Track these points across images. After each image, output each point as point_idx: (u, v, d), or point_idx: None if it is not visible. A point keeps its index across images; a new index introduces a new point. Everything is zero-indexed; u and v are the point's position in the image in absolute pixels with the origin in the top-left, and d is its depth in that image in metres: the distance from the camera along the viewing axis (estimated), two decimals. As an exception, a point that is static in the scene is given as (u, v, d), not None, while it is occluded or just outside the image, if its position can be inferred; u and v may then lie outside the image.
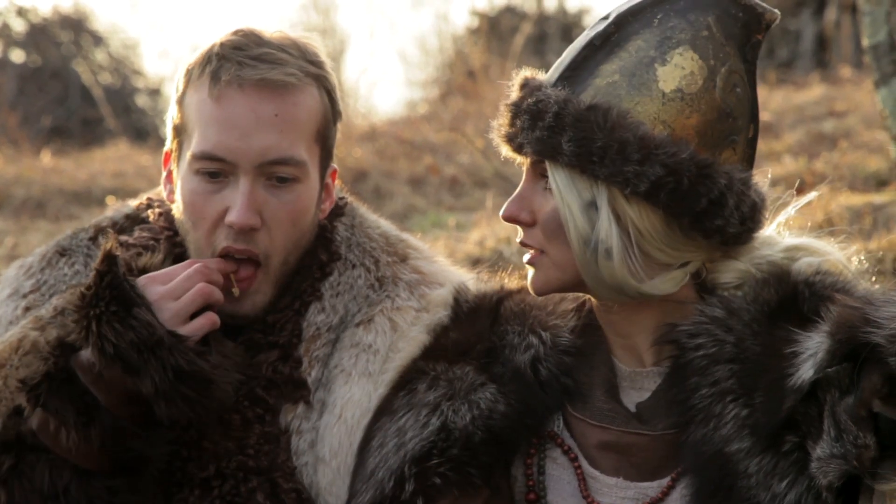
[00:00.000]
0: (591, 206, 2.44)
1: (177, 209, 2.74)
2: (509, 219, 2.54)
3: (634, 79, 2.46)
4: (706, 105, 2.46)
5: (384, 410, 2.60)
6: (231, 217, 2.63)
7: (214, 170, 2.65)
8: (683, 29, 2.48)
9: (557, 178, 2.46)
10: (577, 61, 2.50)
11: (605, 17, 2.51)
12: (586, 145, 2.43)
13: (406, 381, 2.62)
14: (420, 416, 2.55)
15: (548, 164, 2.47)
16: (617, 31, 2.49)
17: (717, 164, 2.45)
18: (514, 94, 2.53)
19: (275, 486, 2.64)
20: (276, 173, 2.65)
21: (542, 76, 2.55)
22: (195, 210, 2.67)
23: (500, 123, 2.54)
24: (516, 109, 2.50)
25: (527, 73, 2.55)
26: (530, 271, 2.55)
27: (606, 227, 2.44)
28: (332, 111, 2.74)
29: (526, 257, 2.55)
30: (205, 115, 2.65)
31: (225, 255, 2.66)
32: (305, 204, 2.70)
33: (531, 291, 2.56)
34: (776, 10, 2.54)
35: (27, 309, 2.75)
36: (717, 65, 2.48)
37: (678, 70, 2.47)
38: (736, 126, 2.49)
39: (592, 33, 2.50)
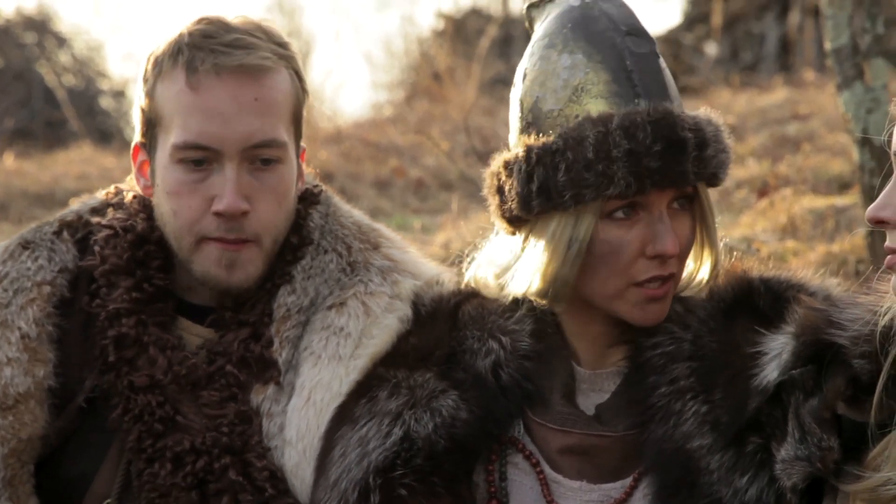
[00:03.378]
0: None
1: (157, 200, 2.74)
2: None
3: None
4: None
5: (345, 418, 2.58)
6: (220, 205, 2.65)
7: (198, 158, 2.66)
8: None
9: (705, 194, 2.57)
10: (665, 78, 2.54)
11: (633, 33, 2.53)
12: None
13: (367, 389, 2.60)
14: (382, 426, 2.53)
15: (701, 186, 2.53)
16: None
17: None
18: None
19: (248, 465, 2.63)
20: (260, 156, 2.67)
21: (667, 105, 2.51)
22: (179, 200, 2.68)
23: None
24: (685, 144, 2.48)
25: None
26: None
27: None
28: (301, 91, 2.76)
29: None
30: (184, 106, 2.66)
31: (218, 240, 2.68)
32: (288, 184, 2.73)
33: None
34: None
35: None
36: None
37: None
38: None
39: (650, 47, 2.53)
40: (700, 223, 2.56)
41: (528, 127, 2.55)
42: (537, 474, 2.55)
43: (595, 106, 2.49)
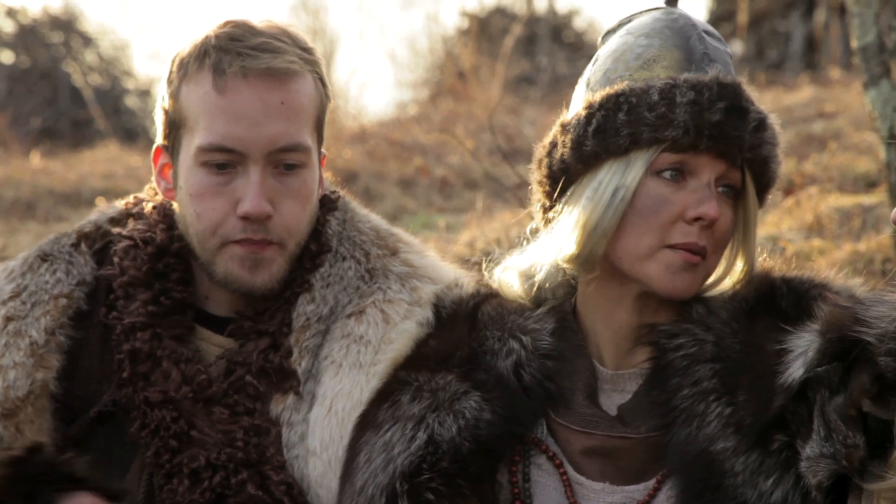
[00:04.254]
0: None
1: (179, 203, 2.74)
2: None
3: None
4: None
5: (368, 424, 2.58)
6: (245, 207, 2.65)
7: (222, 161, 2.66)
8: None
9: None
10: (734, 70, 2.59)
11: (709, 34, 2.60)
12: None
13: (389, 393, 2.60)
14: (406, 430, 2.53)
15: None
16: None
17: None
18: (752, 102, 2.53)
19: (265, 479, 2.64)
20: (284, 160, 2.68)
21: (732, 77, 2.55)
22: (203, 202, 2.68)
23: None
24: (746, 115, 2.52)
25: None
26: None
27: None
28: (324, 97, 2.77)
29: None
30: (210, 108, 2.66)
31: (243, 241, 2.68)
32: (311, 188, 2.73)
33: None
34: None
35: (8, 319, 2.75)
36: None
37: None
38: None
39: (724, 48, 2.60)
40: (742, 223, 2.56)
41: (593, 93, 2.57)
42: (560, 475, 2.54)
43: (665, 73, 2.53)
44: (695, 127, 2.47)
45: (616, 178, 2.50)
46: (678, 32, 2.56)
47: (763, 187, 2.57)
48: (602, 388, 2.58)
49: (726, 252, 2.58)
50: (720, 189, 2.51)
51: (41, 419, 2.70)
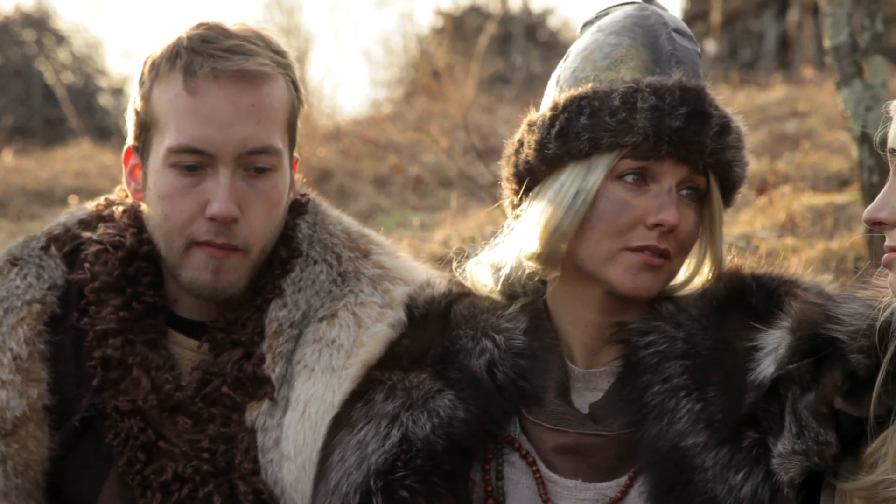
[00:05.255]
0: None
1: (148, 204, 2.73)
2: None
3: None
4: None
5: (342, 422, 2.58)
6: (213, 209, 2.63)
7: (192, 163, 2.65)
8: None
9: None
10: (702, 72, 2.60)
11: (680, 32, 2.60)
12: None
13: (363, 392, 2.60)
14: (380, 428, 2.53)
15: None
16: None
17: None
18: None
19: (233, 489, 2.64)
20: (254, 163, 2.67)
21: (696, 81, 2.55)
22: (172, 204, 2.66)
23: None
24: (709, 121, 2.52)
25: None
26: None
27: None
28: (297, 101, 2.76)
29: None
30: (180, 109, 2.64)
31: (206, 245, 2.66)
32: (280, 193, 2.71)
33: None
34: None
35: None
36: None
37: None
38: None
39: (693, 47, 2.60)
40: (708, 225, 2.57)
41: (560, 93, 2.57)
42: (533, 473, 2.55)
43: (630, 74, 2.54)
44: (655, 133, 2.47)
45: (577, 181, 2.50)
46: (648, 31, 2.57)
47: (729, 189, 2.58)
48: (574, 386, 2.58)
49: (694, 253, 2.59)
50: (683, 192, 2.52)
51: (41, 432, 2.68)
